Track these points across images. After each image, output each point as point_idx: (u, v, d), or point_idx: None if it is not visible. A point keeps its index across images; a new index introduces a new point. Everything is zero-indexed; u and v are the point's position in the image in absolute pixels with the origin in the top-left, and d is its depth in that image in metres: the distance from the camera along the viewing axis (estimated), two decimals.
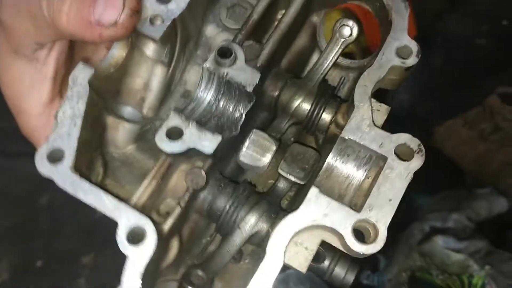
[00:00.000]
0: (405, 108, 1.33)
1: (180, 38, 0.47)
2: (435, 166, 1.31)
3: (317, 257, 0.40)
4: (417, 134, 1.35)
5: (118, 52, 0.45)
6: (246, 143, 0.44)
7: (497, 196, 1.24)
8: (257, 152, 0.44)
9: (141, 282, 0.36)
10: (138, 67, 0.48)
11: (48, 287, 1.44)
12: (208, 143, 0.40)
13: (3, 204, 1.54)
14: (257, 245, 0.43)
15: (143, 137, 0.48)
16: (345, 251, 0.38)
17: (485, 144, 1.29)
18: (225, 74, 0.42)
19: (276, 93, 0.46)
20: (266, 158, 0.43)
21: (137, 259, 0.36)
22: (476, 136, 1.31)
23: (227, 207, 0.42)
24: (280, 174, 0.44)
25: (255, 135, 0.44)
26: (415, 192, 1.32)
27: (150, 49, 0.46)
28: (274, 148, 0.44)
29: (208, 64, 0.43)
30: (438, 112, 1.32)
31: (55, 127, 0.40)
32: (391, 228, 0.37)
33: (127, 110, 0.49)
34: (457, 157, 1.35)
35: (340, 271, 0.42)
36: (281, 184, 0.45)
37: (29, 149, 0.80)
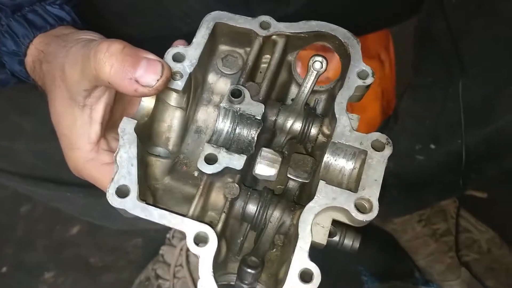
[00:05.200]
0: None
1: (193, 87, 0.60)
2: (391, 255, 1.46)
3: (330, 233, 0.54)
4: (377, 221, 1.46)
5: (148, 104, 0.58)
6: (258, 159, 0.57)
7: None
8: (267, 165, 0.57)
9: (212, 272, 0.47)
10: (163, 114, 0.60)
11: None
12: (237, 161, 0.53)
13: None
14: (284, 234, 0.56)
15: (174, 168, 0.60)
16: (350, 223, 0.52)
17: (436, 244, 1.38)
18: (238, 109, 0.56)
19: (274, 118, 0.60)
20: (275, 168, 0.57)
21: (205, 256, 0.48)
22: (429, 234, 1.40)
23: (258, 209, 0.55)
24: (289, 178, 0.57)
25: (264, 152, 0.57)
26: (368, 275, 1.41)
27: (171, 99, 0.59)
28: (280, 159, 0.57)
29: (224, 104, 0.56)
30: (394, 208, 1.40)
31: (116, 169, 0.51)
32: None
33: (157, 149, 0.61)
34: (410, 251, 1.43)
35: (348, 241, 0.56)
36: (291, 185, 0.58)
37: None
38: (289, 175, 0.57)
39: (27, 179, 0.98)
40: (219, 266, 0.53)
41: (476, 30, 0.87)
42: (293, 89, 0.67)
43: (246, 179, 0.60)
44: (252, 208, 0.55)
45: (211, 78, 0.64)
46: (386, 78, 1.36)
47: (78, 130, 0.60)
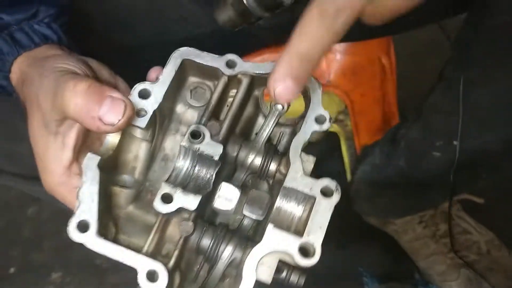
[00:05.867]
0: (363, 197, 1.45)
1: (159, 121, 0.63)
2: (392, 256, 1.48)
3: (277, 270, 0.58)
4: (374, 220, 1.43)
5: (113, 139, 0.61)
6: (217, 194, 0.60)
7: None
8: (225, 199, 0.60)
9: None
10: (129, 146, 0.63)
11: None
12: (192, 202, 0.56)
13: None
14: (235, 267, 0.60)
15: (139, 196, 0.64)
16: (295, 265, 0.56)
17: (436, 245, 1.39)
18: (197, 149, 0.59)
19: (235, 154, 0.63)
20: (233, 203, 0.60)
21: None
22: (430, 235, 1.41)
23: (210, 244, 0.58)
24: (244, 215, 0.61)
25: (223, 187, 0.60)
26: (369, 277, 1.44)
27: (137, 132, 0.62)
28: (238, 194, 0.60)
29: (183, 143, 0.59)
30: (397, 208, 1.42)
31: (78, 205, 0.55)
32: None
33: (123, 178, 0.64)
34: (410, 252, 1.45)
35: (294, 278, 0.59)
36: (246, 221, 0.62)
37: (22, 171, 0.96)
38: (244, 212, 0.60)
39: (31, 180, 0.99)
40: None
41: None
42: (260, 121, 0.70)
43: (206, 211, 0.63)
44: (206, 242, 0.59)
45: (179, 108, 0.66)
46: (387, 82, 1.36)
47: (51, 155, 0.64)
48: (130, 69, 0.69)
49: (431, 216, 1.41)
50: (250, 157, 0.63)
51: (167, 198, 0.56)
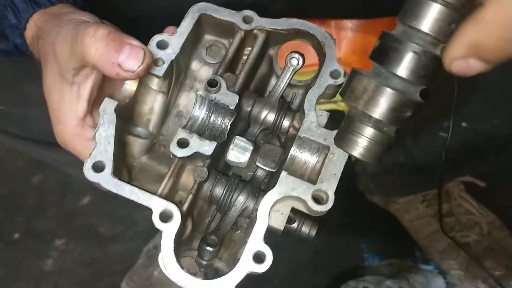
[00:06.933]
0: (368, 175, 1.45)
1: (175, 73, 0.63)
2: (393, 234, 1.50)
3: (289, 220, 0.58)
4: (377, 199, 1.50)
5: (130, 87, 0.61)
6: (231, 146, 0.61)
7: (436, 275, 1.37)
8: (239, 152, 0.61)
9: (173, 247, 0.52)
10: (145, 97, 0.63)
11: (17, 259, 1.58)
12: (207, 147, 0.57)
13: None
14: (247, 217, 0.60)
15: (152, 149, 0.64)
16: (308, 213, 0.56)
17: (438, 224, 1.41)
18: (213, 98, 0.59)
19: (249, 109, 0.64)
20: (246, 156, 0.61)
21: (168, 232, 0.52)
22: (432, 214, 1.43)
23: (224, 192, 0.59)
24: (257, 166, 0.61)
25: (237, 140, 0.61)
26: (370, 253, 1.46)
27: (154, 83, 0.62)
28: (251, 148, 0.61)
29: (200, 92, 0.60)
30: (400, 187, 1.43)
31: (94, 146, 0.56)
32: None
33: (137, 129, 0.65)
34: (412, 231, 1.47)
35: (305, 229, 0.60)
36: (259, 173, 0.62)
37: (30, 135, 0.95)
38: (257, 164, 0.61)
39: (39, 144, 1.02)
40: (183, 242, 0.58)
41: None
42: (273, 82, 0.70)
43: (219, 164, 0.64)
44: (218, 191, 0.59)
45: (195, 65, 0.67)
46: None
47: (66, 106, 0.64)
48: (142, 40, 0.70)
49: (434, 196, 1.41)
50: (264, 112, 0.64)
51: (183, 143, 0.56)
